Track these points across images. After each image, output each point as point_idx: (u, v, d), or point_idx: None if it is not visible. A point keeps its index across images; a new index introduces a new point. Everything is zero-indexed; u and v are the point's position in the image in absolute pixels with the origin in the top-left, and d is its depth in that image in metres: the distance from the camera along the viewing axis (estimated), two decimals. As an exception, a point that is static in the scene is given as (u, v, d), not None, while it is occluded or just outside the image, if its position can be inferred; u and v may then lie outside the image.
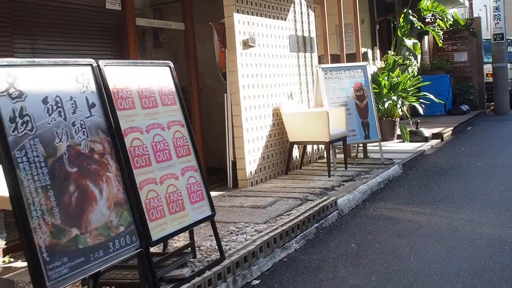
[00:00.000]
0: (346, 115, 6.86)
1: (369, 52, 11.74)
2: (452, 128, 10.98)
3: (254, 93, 6.21)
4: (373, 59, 11.82)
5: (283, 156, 6.78)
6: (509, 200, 5.37)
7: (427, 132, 9.83)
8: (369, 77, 7.69)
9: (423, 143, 9.39)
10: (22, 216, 2.35)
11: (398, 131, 9.73)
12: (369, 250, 4.17)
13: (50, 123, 2.59)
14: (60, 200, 2.53)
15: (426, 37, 14.57)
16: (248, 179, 6.06)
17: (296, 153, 7.08)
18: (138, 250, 2.92)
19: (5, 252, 4.07)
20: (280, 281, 3.68)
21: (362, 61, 8.16)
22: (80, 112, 2.78)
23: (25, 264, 3.71)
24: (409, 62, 10.52)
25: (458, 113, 13.59)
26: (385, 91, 9.41)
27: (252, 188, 5.98)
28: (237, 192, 5.83)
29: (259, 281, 3.72)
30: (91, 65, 2.94)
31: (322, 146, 7.47)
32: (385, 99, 9.52)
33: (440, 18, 12.03)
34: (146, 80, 3.36)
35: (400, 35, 10.78)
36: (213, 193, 5.81)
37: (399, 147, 9.11)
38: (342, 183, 6.08)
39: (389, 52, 10.86)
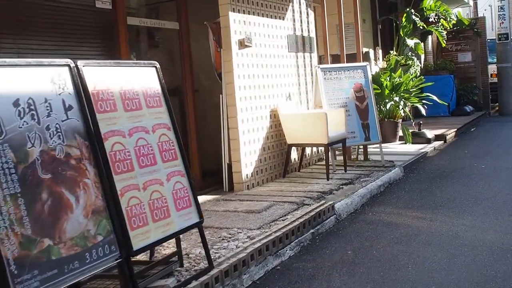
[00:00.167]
0: (345, 117, 6.69)
1: (371, 52, 11.57)
2: (456, 129, 10.78)
3: (250, 94, 6.06)
4: (375, 59, 11.64)
5: (281, 158, 6.62)
6: (513, 205, 5.21)
7: (429, 133, 9.64)
8: (370, 77, 7.52)
9: (426, 144, 9.21)
10: (-12, 227, 2.21)
11: (400, 133, 9.56)
12: (366, 258, 4.01)
13: (21, 127, 2.44)
14: (32, 209, 2.38)
15: (429, 37, 14.37)
16: (244, 183, 5.90)
17: (294, 155, 6.92)
18: (118, 260, 2.76)
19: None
20: (272, 291, 3.53)
21: (364, 61, 7.98)
22: (56, 115, 2.62)
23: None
24: (411, 62, 10.33)
25: (462, 114, 13.40)
26: (387, 91, 9.23)
27: (248, 192, 5.82)
28: (232, 195, 5.68)
29: (249, 290, 3.58)
30: (68, 65, 2.78)
31: (322, 148, 7.30)
32: (387, 100, 9.34)
33: (444, 17, 11.85)
34: (129, 81, 3.20)
35: (402, 35, 10.61)
36: (207, 197, 5.69)
37: (400, 149, 8.92)
38: (341, 186, 5.91)
39: (391, 52, 10.68)
